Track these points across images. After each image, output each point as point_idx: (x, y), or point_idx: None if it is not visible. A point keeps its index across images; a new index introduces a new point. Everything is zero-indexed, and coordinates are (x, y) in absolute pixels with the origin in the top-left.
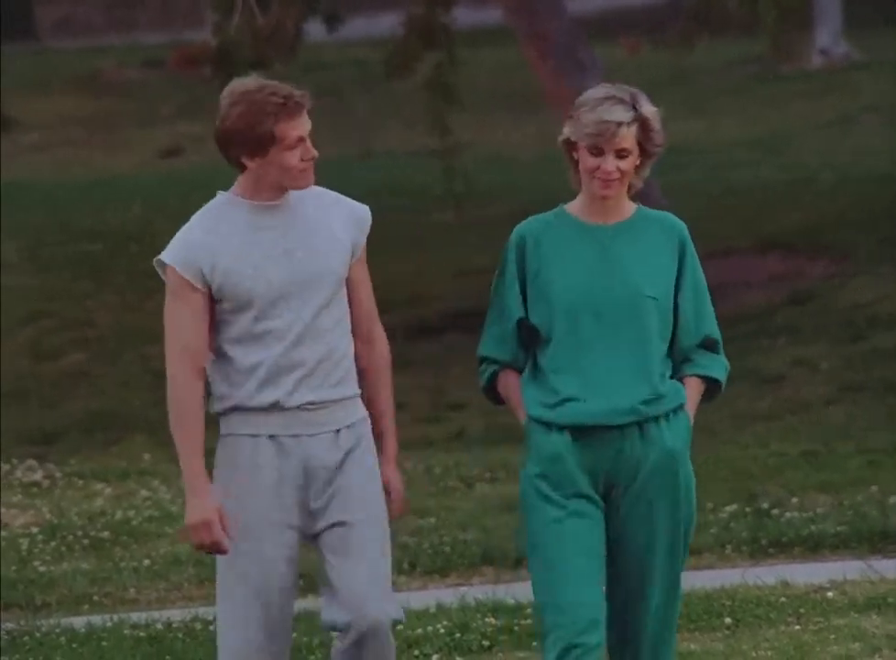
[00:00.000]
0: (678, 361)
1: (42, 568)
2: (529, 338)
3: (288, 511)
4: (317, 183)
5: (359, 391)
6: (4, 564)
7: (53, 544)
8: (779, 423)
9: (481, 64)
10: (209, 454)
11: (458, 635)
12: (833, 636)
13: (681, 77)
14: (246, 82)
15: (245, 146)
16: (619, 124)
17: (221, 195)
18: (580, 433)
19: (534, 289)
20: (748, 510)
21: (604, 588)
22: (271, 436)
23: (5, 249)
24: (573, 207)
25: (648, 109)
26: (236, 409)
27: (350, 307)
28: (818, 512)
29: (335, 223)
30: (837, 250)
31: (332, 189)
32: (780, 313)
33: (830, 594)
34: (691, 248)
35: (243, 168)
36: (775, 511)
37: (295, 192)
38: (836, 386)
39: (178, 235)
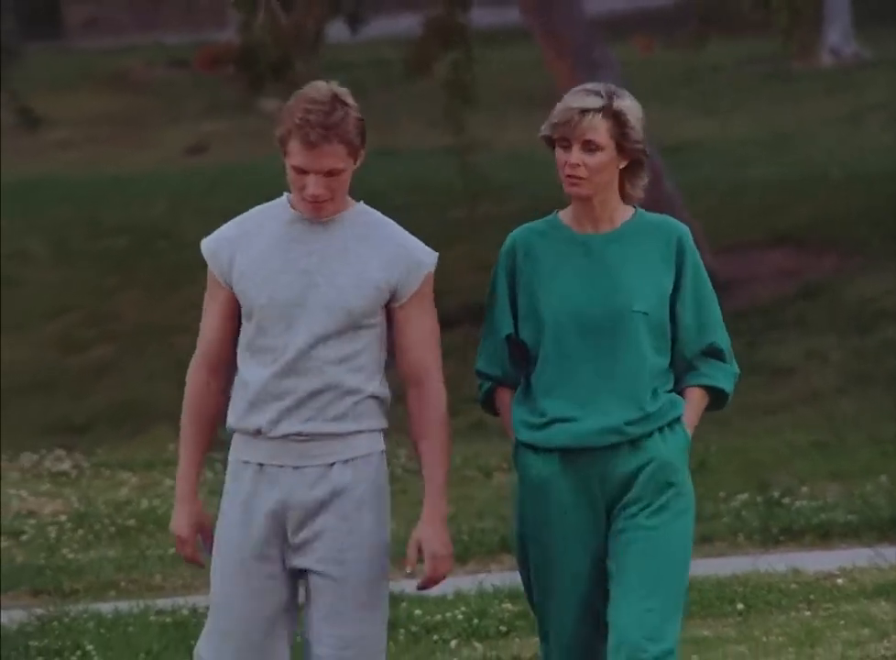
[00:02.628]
0: (681, 371)
1: (70, 556)
2: (521, 354)
3: (269, 543)
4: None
5: (379, 427)
6: (33, 551)
7: (81, 532)
8: (790, 413)
9: (498, 64)
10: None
11: (476, 621)
12: (842, 622)
13: (693, 76)
14: (315, 85)
15: (280, 142)
16: (583, 111)
17: (284, 197)
18: (568, 454)
19: (523, 303)
20: (759, 498)
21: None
22: (260, 464)
23: (34, 244)
24: (566, 215)
25: (622, 103)
26: (232, 429)
27: (397, 353)
28: (828, 501)
29: (374, 260)
30: (847, 245)
31: (352, 185)
32: (790, 306)
33: (840, 581)
34: (691, 254)
35: None
36: (786, 500)
37: (350, 214)
38: (846, 377)
39: (219, 228)
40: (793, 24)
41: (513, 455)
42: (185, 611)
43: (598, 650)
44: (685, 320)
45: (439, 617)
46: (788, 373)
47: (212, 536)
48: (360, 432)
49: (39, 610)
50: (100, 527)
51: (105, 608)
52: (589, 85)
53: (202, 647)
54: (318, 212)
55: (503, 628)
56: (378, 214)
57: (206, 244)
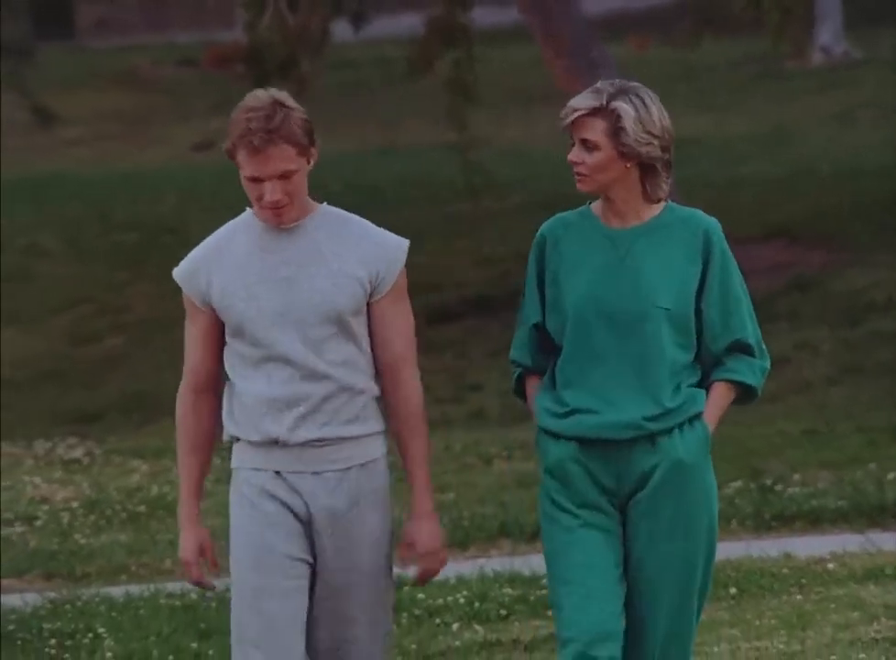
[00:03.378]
0: (709, 365)
1: (82, 541)
2: (549, 343)
3: (294, 543)
4: (343, 176)
5: (381, 429)
6: (46, 536)
7: (93, 517)
8: (782, 403)
9: (499, 62)
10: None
11: (477, 605)
12: (833, 605)
13: (689, 74)
14: (254, 95)
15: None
16: (576, 110)
17: (248, 212)
18: (586, 444)
19: (550, 294)
20: (752, 486)
21: (622, 599)
22: (276, 472)
23: (46, 239)
24: (598, 207)
25: (618, 104)
26: (240, 440)
27: (374, 346)
28: (819, 488)
29: (352, 255)
30: (837, 239)
31: (357, 182)
32: (782, 298)
33: (830, 566)
34: (719, 249)
35: None
36: (778, 487)
37: (317, 216)
38: (837, 368)
39: (190, 253)
40: (784, 23)
41: (536, 440)
42: (194, 595)
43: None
44: (711, 315)
45: (441, 601)
46: (780, 364)
47: (215, 559)
48: (370, 435)
49: (52, 594)
50: (111, 513)
51: (116, 591)
52: (599, 84)
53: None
54: (280, 217)
55: (503, 611)
56: (344, 212)
57: (179, 271)
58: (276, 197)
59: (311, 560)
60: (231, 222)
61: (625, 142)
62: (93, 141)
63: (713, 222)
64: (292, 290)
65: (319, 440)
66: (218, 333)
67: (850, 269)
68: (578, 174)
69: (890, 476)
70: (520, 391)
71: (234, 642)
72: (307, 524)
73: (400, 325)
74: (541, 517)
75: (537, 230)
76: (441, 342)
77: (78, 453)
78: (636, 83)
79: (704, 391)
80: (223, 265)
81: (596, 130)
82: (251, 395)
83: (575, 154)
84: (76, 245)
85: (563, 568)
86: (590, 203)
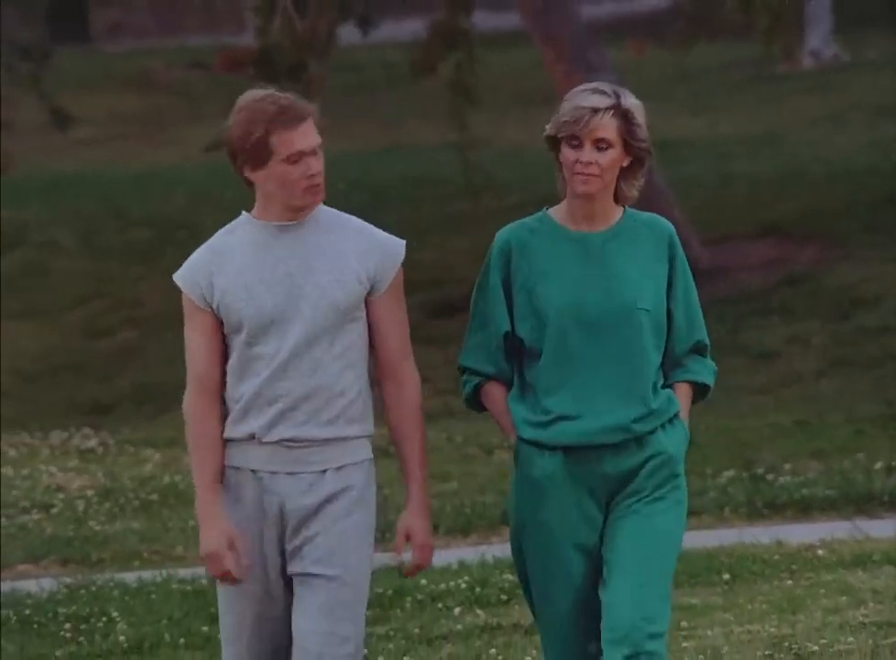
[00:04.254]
0: (669, 367)
1: (97, 528)
2: (513, 351)
3: (270, 546)
4: (347, 175)
5: (367, 433)
6: (62, 523)
7: (107, 505)
8: (773, 395)
9: (499, 65)
10: None
11: (478, 590)
12: (822, 590)
13: (683, 77)
14: (255, 92)
15: (244, 156)
16: (595, 110)
17: (243, 215)
18: (573, 452)
19: (520, 301)
20: (744, 475)
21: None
22: (253, 471)
23: (62, 236)
24: (557, 212)
25: (630, 101)
26: (227, 439)
27: (374, 344)
28: (809, 477)
29: (352, 253)
30: (827, 236)
31: (361, 180)
32: (774, 293)
33: (820, 552)
34: (680, 251)
35: (250, 184)
36: (770, 476)
37: (315, 216)
38: (827, 361)
39: (190, 257)
40: (774, 28)
41: (515, 452)
42: (205, 581)
43: (594, 644)
44: (678, 318)
45: (443, 586)
46: (772, 357)
47: (242, 552)
48: (351, 438)
49: (68, 579)
50: (125, 501)
51: (130, 577)
52: (595, 85)
53: None
54: (318, 195)
55: (503, 596)
56: (342, 213)
57: (180, 275)
58: (321, 167)
59: (289, 568)
60: (227, 227)
61: (639, 137)
62: (108, 141)
63: (670, 225)
64: (293, 286)
65: (293, 440)
66: (220, 336)
67: (840, 265)
68: (589, 175)
69: (878, 465)
70: (474, 401)
71: (222, 640)
72: (280, 526)
73: (398, 323)
74: (512, 531)
75: None
76: (442, 335)
77: (92, 443)
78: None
79: (673, 392)
80: (223, 265)
81: (611, 129)
82: (238, 392)
83: (590, 154)
84: (91, 241)
85: (540, 590)
86: (546, 208)
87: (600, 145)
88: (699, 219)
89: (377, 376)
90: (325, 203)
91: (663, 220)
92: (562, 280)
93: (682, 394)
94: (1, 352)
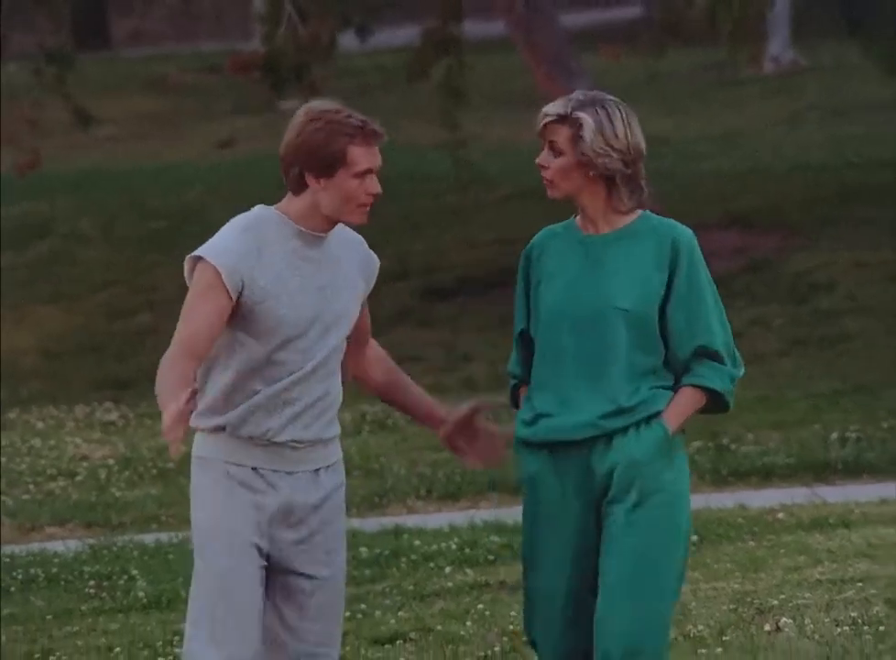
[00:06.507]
0: (679, 372)
1: (118, 494)
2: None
3: (260, 533)
4: None
5: (339, 432)
6: (86, 490)
7: (127, 473)
8: None
9: (487, 69)
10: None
11: (467, 550)
12: (782, 551)
13: (654, 81)
14: (326, 103)
15: (314, 163)
16: (546, 115)
17: (264, 209)
18: (554, 449)
19: (533, 301)
20: (710, 445)
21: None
22: (254, 468)
23: (86, 226)
24: (579, 218)
25: (581, 114)
26: (223, 430)
27: (352, 340)
28: (770, 447)
29: (354, 266)
30: (786, 227)
31: None
32: (738, 279)
33: (780, 515)
34: (687, 257)
35: (302, 188)
36: (734, 446)
37: (332, 230)
38: (786, 341)
39: (223, 239)
40: (738, 36)
41: (514, 450)
42: None
43: (587, 647)
44: (677, 320)
45: (435, 547)
46: (736, 337)
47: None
48: (335, 437)
49: (92, 541)
50: (143, 469)
51: (148, 539)
52: (575, 93)
53: (206, 642)
54: (366, 215)
55: (490, 557)
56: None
57: (221, 257)
58: (379, 188)
59: (281, 563)
60: (254, 218)
61: (583, 151)
62: (127, 140)
63: (685, 232)
64: (325, 299)
65: (299, 441)
66: (226, 319)
67: (798, 253)
68: (545, 179)
69: (833, 436)
70: (516, 402)
71: (193, 622)
72: (276, 521)
73: (368, 318)
74: (523, 522)
75: (521, 218)
76: (435, 318)
77: (114, 416)
78: (610, 97)
79: (668, 394)
80: (264, 266)
81: (561, 136)
82: (252, 389)
83: (543, 157)
84: (112, 232)
85: (531, 585)
86: (576, 215)
87: (553, 148)
88: (670, 210)
89: (349, 352)
90: None
91: (678, 226)
92: (560, 280)
93: (681, 396)
94: (30, 333)
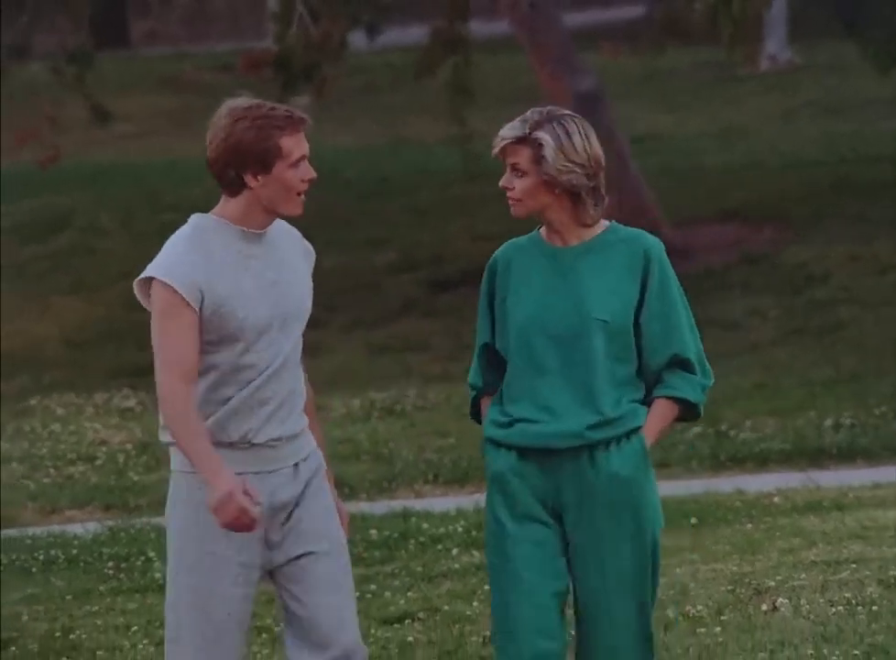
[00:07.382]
0: (651, 383)
1: (135, 478)
2: (499, 363)
3: (250, 549)
4: (357, 166)
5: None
6: (104, 474)
7: (144, 458)
8: (735, 361)
9: (493, 68)
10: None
11: (474, 533)
12: (778, 533)
13: (654, 78)
14: (245, 100)
15: (250, 161)
16: (503, 138)
17: (201, 218)
18: (527, 454)
19: (498, 315)
20: (709, 431)
21: (560, 618)
22: (238, 474)
23: (104, 219)
24: (544, 230)
25: (541, 135)
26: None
27: None
28: (767, 433)
29: (300, 258)
30: (782, 220)
31: (369, 170)
32: (735, 271)
33: (776, 499)
34: (658, 267)
35: (239, 189)
36: (732, 433)
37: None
38: (782, 331)
39: (169, 255)
40: (737, 35)
41: (481, 450)
42: None
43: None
44: (652, 329)
45: (443, 529)
46: (733, 327)
47: (255, 496)
48: (305, 427)
49: (110, 523)
50: (160, 454)
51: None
52: (529, 112)
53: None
54: (301, 205)
55: None
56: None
57: (171, 272)
58: (314, 172)
59: (267, 564)
60: (194, 228)
61: (546, 171)
62: (144, 136)
63: (654, 241)
64: (280, 293)
65: (277, 439)
66: (199, 332)
67: (793, 246)
68: (510, 199)
69: (828, 422)
70: (476, 414)
71: (172, 640)
72: (270, 524)
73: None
74: (486, 527)
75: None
76: (442, 308)
77: (131, 402)
78: (565, 112)
79: (645, 408)
80: (216, 272)
81: (522, 157)
82: (224, 396)
83: (506, 179)
84: (129, 224)
85: (500, 583)
86: (540, 227)
87: (515, 169)
88: (669, 204)
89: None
90: (332, 194)
91: (647, 236)
92: (529, 292)
93: (658, 409)
94: (52, 323)
